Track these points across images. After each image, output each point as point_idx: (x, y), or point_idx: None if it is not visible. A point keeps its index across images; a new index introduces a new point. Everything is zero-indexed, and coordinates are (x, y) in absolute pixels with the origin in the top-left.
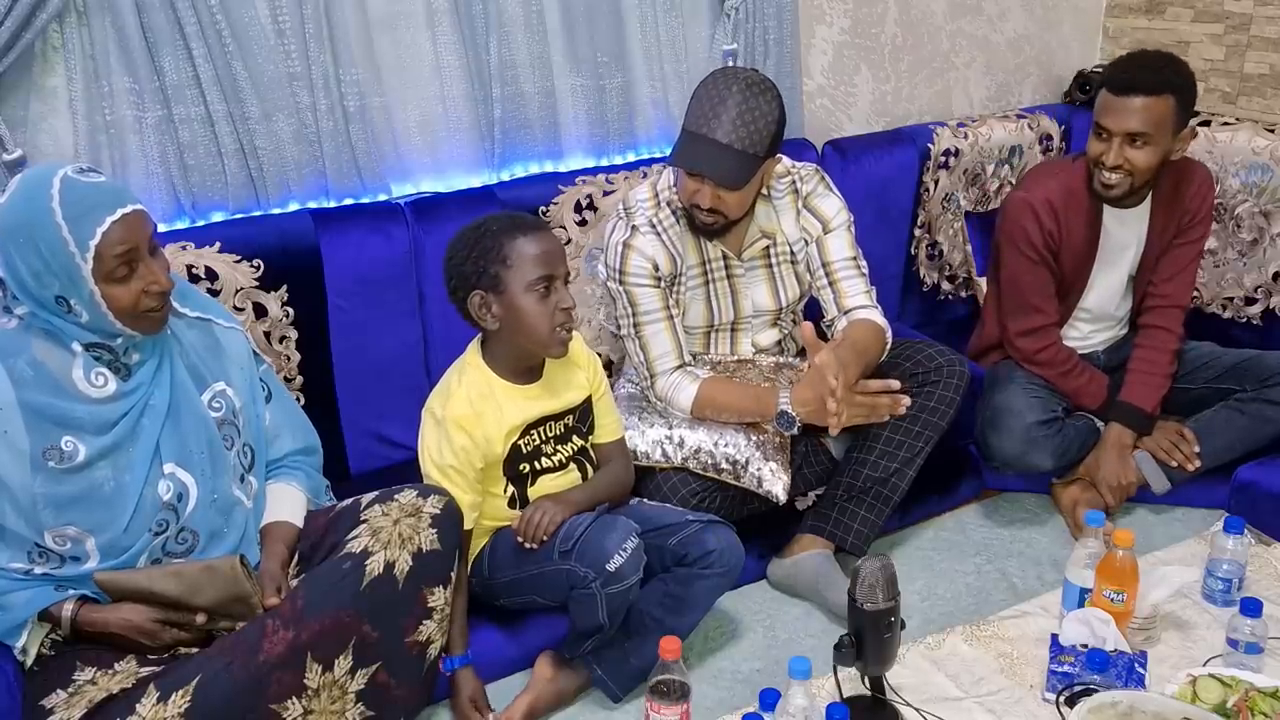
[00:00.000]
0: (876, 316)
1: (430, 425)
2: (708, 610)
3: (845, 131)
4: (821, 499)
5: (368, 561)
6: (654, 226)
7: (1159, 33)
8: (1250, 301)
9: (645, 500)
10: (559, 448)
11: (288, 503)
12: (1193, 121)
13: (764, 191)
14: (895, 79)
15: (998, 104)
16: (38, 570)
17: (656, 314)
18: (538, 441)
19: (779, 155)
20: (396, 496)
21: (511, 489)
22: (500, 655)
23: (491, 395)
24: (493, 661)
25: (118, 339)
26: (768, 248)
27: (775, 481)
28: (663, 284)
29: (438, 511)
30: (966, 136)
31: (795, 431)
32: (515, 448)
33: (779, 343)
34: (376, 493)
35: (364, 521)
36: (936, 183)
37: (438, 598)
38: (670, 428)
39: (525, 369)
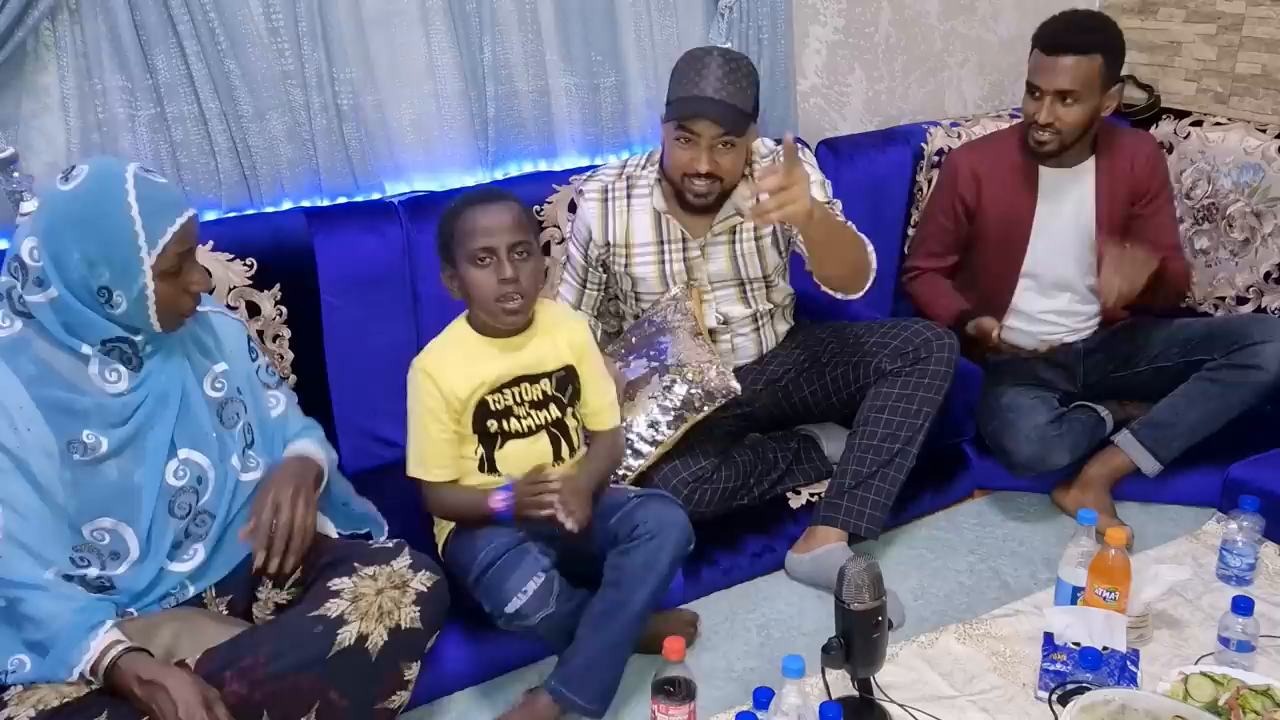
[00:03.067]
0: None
1: (409, 377)
2: (656, 586)
3: (839, 131)
4: (830, 489)
5: (340, 630)
6: (604, 194)
7: (1151, 32)
8: (1242, 301)
9: (615, 483)
10: (531, 412)
11: (310, 446)
12: (1121, 82)
13: (745, 172)
14: (889, 78)
15: (991, 104)
16: (92, 573)
17: (575, 275)
18: (510, 402)
19: (756, 131)
20: (392, 562)
21: (480, 451)
22: (469, 667)
23: (463, 345)
24: (463, 674)
25: (139, 334)
26: (735, 228)
27: (728, 376)
28: (589, 258)
29: (424, 589)
30: (960, 136)
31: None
32: (484, 403)
33: (754, 316)
34: (376, 545)
35: (354, 574)
36: (930, 182)
37: (414, 670)
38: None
39: (500, 331)
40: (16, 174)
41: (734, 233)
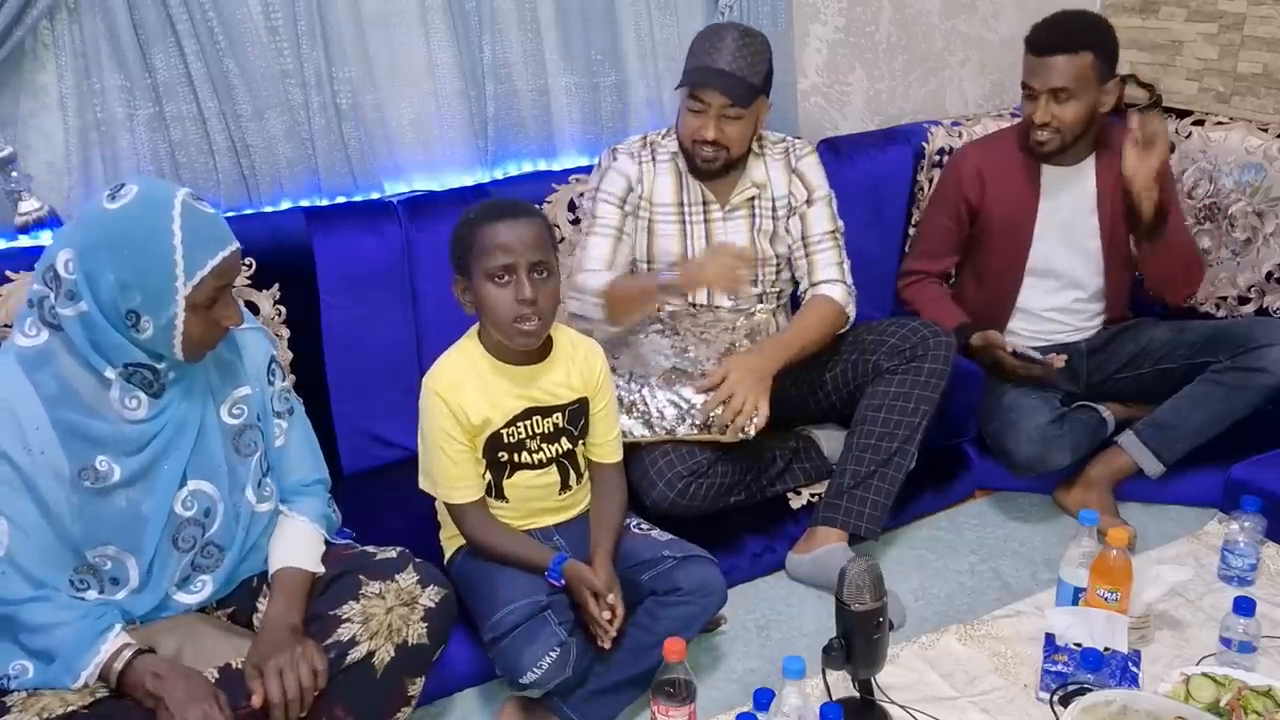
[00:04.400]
0: (836, 292)
1: (421, 398)
2: (686, 639)
3: (839, 130)
4: (830, 489)
5: (351, 651)
6: (633, 156)
7: (1153, 31)
8: (1244, 301)
9: (639, 525)
10: (543, 446)
11: (304, 545)
12: (1122, 76)
13: (756, 149)
14: (890, 78)
15: (992, 103)
16: (91, 595)
17: (609, 228)
18: (523, 435)
19: (770, 104)
20: (397, 577)
21: (489, 476)
22: (472, 667)
23: (475, 369)
24: (465, 675)
25: (162, 361)
26: (753, 199)
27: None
28: (626, 206)
29: (432, 605)
30: (961, 135)
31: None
32: (497, 435)
33: (758, 297)
34: (379, 555)
35: (361, 599)
36: (931, 181)
37: (418, 685)
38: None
39: (514, 357)
40: (15, 173)
41: (753, 205)
